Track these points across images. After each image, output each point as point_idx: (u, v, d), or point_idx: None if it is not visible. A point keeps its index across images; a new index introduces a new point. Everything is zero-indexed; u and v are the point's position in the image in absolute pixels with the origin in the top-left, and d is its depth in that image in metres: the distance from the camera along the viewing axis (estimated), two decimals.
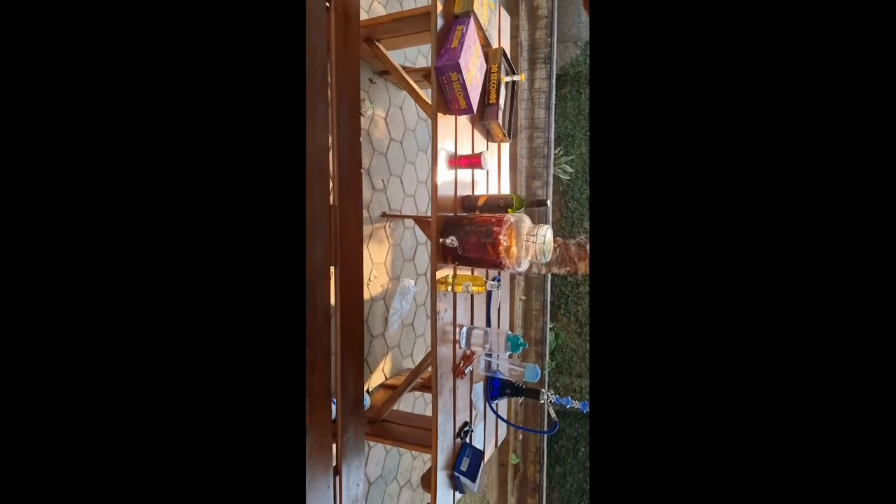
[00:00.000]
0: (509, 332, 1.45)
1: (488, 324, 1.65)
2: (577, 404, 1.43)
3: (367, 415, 1.86)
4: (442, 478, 1.37)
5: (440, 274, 1.36)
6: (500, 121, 1.56)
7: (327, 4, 1.29)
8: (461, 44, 1.30)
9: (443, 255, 1.35)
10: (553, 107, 4.13)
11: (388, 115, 2.40)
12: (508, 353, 1.45)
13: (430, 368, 1.90)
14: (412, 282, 2.53)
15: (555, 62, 4.12)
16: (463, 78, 1.28)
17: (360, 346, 1.43)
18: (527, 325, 4.29)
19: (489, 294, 1.64)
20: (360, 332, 1.43)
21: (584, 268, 3.09)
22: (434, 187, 1.33)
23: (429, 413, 2.63)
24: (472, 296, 1.54)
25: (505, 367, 1.49)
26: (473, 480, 1.42)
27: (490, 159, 1.54)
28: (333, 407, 1.35)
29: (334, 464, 1.34)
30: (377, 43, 1.82)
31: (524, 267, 1.31)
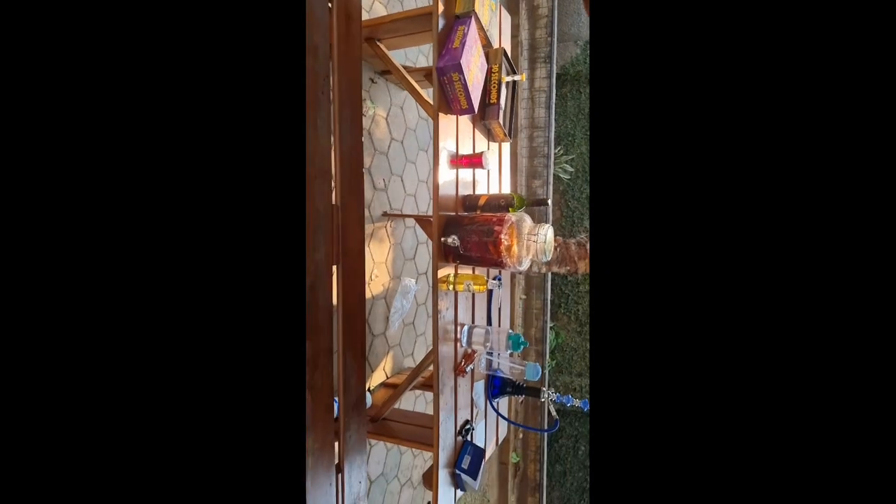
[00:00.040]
0: (510, 331, 1.45)
1: (489, 322, 1.66)
2: (577, 402, 1.44)
3: (368, 413, 1.86)
4: (443, 476, 1.38)
5: (441, 273, 1.37)
6: (501, 120, 1.57)
7: (329, 5, 1.30)
8: (462, 44, 1.30)
9: (444, 254, 1.36)
10: (553, 106, 4.13)
11: (389, 114, 2.41)
12: (509, 351, 1.46)
13: (430, 367, 1.91)
14: (413, 281, 2.54)
15: (555, 61, 4.12)
16: (464, 78, 1.28)
17: (362, 345, 1.44)
18: (527, 324, 4.30)
19: (490, 293, 1.64)
20: (362, 331, 1.44)
21: (584, 267, 3.10)
22: (435, 187, 1.34)
23: (429, 412, 2.64)
24: (473, 295, 1.55)
25: (506, 365, 1.50)
26: (475, 478, 1.43)
27: (491, 159, 1.55)
28: (336, 405, 1.36)
29: (336, 461, 1.35)
30: (378, 43, 1.83)
31: (525, 266, 1.31)
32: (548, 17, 4.06)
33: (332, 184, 1.31)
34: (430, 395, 2.72)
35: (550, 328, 4.50)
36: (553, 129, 4.14)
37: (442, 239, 1.33)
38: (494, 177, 1.74)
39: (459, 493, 1.48)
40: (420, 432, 1.81)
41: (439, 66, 1.30)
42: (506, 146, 1.80)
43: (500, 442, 1.85)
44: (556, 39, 4.11)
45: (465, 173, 1.51)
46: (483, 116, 1.54)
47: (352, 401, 1.40)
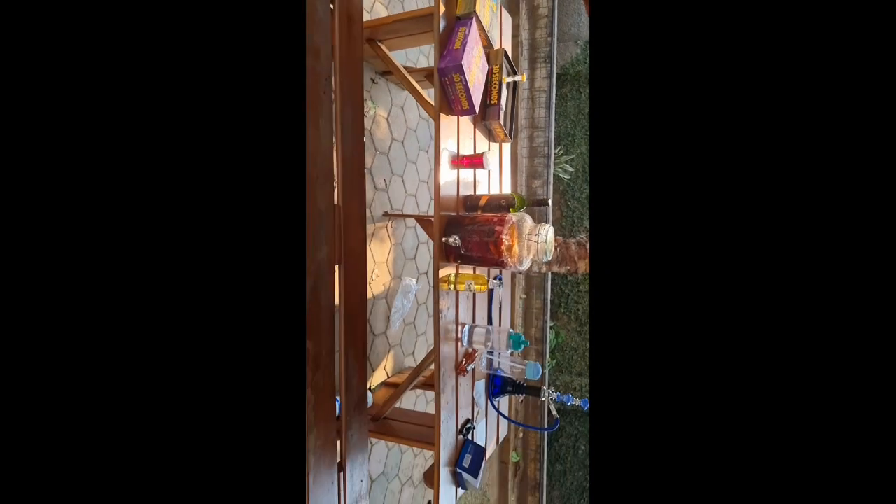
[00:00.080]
0: (511, 330, 1.46)
1: (490, 322, 1.66)
2: (577, 401, 1.45)
3: (369, 412, 1.87)
4: (445, 474, 1.39)
5: (443, 273, 1.38)
6: (502, 121, 1.57)
7: (331, 6, 1.31)
8: (463, 45, 1.31)
9: (445, 254, 1.37)
10: (553, 106, 4.14)
11: (389, 114, 2.41)
12: (510, 350, 1.47)
13: (431, 366, 1.92)
14: (413, 280, 2.55)
15: (555, 61, 4.13)
16: (465, 79, 1.29)
17: (364, 344, 1.45)
18: (527, 324, 4.31)
19: (491, 292, 1.65)
20: (364, 331, 1.45)
21: (584, 266, 3.11)
22: (437, 187, 1.35)
23: (430, 411, 2.65)
24: (474, 294, 1.56)
25: (506, 364, 1.50)
26: (475, 477, 1.44)
27: (491, 159, 1.56)
28: (337, 404, 1.37)
29: (338, 460, 1.36)
30: (379, 43, 1.84)
31: (526, 265, 1.32)
32: (548, 17, 4.07)
33: (334, 184, 1.32)
34: (430, 394, 2.73)
35: (550, 328, 4.51)
36: (553, 129, 4.15)
37: (443, 239, 1.34)
38: (495, 177, 1.75)
39: (460, 491, 1.49)
40: (421, 431, 1.82)
41: (440, 67, 1.30)
42: (506, 146, 1.81)
43: (500, 441, 1.86)
44: (556, 39, 4.12)
45: (466, 173, 1.52)
46: (484, 117, 1.55)
47: (353, 400, 1.41)
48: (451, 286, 1.38)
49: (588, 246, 3.10)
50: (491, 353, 1.49)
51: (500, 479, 4.34)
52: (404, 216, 2.51)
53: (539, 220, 1.52)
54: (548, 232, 1.31)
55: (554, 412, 1.52)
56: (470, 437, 1.50)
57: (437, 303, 1.35)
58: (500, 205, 1.46)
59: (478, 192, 1.59)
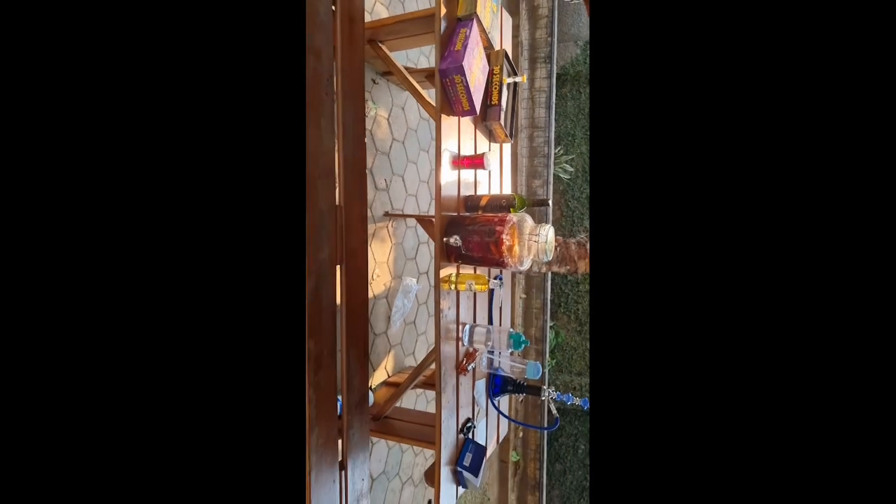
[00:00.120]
0: (511, 330, 1.47)
1: (490, 321, 1.67)
2: (577, 401, 1.46)
3: (370, 412, 1.88)
4: (445, 473, 1.40)
5: (444, 273, 1.39)
6: (502, 121, 1.58)
7: (333, 8, 1.31)
8: (464, 46, 1.32)
9: (446, 254, 1.37)
10: (553, 106, 4.15)
11: (390, 115, 2.42)
12: (510, 350, 1.47)
13: (432, 366, 1.92)
14: (414, 280, 2.56)
15: (555, 61, 4.14)
16: (466, 80, 1.30)
17: (365, 344, 1.46)
18: (527, 324, 4.32)
19: (491, 292, 1.66)
20: (365, 330, 1.45)
21: (583, 266, 3.12)
22: (438, 188, 1.36)
23: (430, 410, 2.65)
24: (474, 294, 1.57)
25: (507, 364, 1.51)
26: (476, 475, 1.44)
27: (492, 159, 1.57)
28: (339, 403, 1.38)
29: (340, 459, 1.36)
30: (380, 44, 1.84)
31: (526, 265, 1.33)
32: (548, 18, 4.08)
33: (336, 184, 1.32)
34: (430, 393, 2.74)
35: (550, 327, 4.52)
36: (553, 129, 4.16)
37: (444, 239, 1.35)
38: (496, 177, 1.75)
39: (461, 490, 1.50)
40: (421, 430, 1.83)
41: (442, 68, 1.31)
42: (506, 147, 1.82)
43: (500, 440, 1.87)
44: (556, 40, 4.13)
45: (467, 174, 1.52)
46: (484, 117, 1.56)
47: (355, 399, 1.41)
48: (452, 286, 1.39)
49: (588, 246, 3.11)
50: (491, 352, 1.50)
51: (499, 478, 4.35)
52: (405, 216, 2.52)
53: (539, 220, 1.52)
54: (548, 232, 1.32)
55: (554, 411, 1.53)
56: (470, 435, 1.50)
57: (438, 302, 1.36)
58: (501, 205, 1.46)
59: (478, 193, 1.60)
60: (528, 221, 1.33)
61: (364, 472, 1.47)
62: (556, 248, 2.94)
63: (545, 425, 4.21)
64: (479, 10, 1.42)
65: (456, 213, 1.45)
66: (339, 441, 1.37)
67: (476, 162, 1.47)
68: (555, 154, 4.36)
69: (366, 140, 2.20)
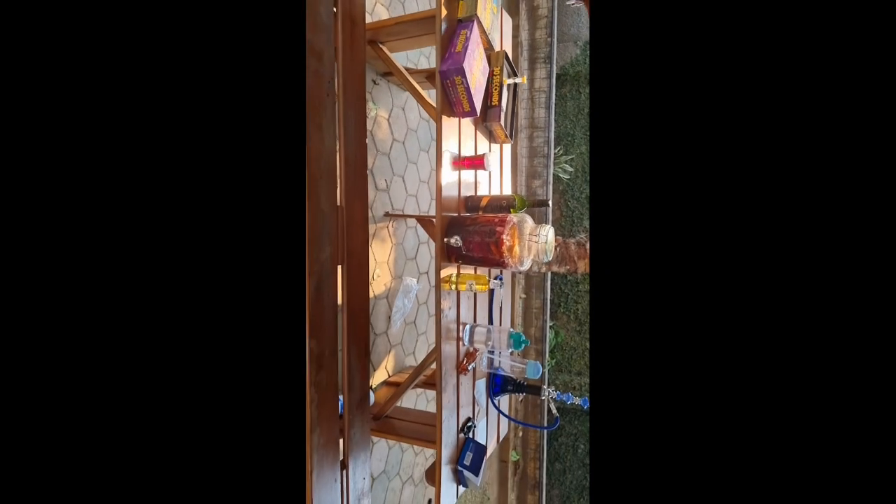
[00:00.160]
0: (511, 330, 1.48)
1: (491, 321, 1.68)
2: (577, 400, 1.46)
3: (371, 411, 1.89)
4: (446, 472, 1.41)
5: (444, 273, 1.39)
6: (502, 122, 1.59)
7: (334, 10, 1.32)
8: (465, 48, 1.33)
9: (447, 255, 1.38)
10: (553, 106, 4.16)
11: (390, 115, 2.43)
12: (510, 350, 1.48)
13: (432, 366, 1.93)
14: (414, 280, 2.57)
15: (555, 62, 4.15)
16: (467, 81, 1.31)
17: (366, 344, 1.47)
18: (527, 323, 4.33)
19: (492, 292, 1.67)
20: (366, 330, 1.46)
21: (583, 266, 3.13)
22: (438, 188, 1.36)
23: (430, 410, 2.66)
24: (475, 294, 1.58)
25: (507, 363, 1.52)
26: (476, 474, 1.45)
27: (492, 160, 1.57)
28: (340, 403, 1.38)
29: (341, 458, 1.37)
30: (381, 45, 1.85)
31: (526, 266, 1.34)
32: (547, 18, 4.09)
33: (337, 185, 1.33)
34: (430, 393, 2.75)
35: (550, 327, 4.53)
36: (553, 129, 4.17)
37: (445, 240, 1.36)
38: (496, 178, 1.76)
39: (461, 489, 1.50)
40: (422, 430, 1.84)
41: (442, 69, 1.32)
42: (506, 147, 1.83)
43: (500, 439, 1.88)
44: (555, 40, 4.14)
45: (467, 175, 1.53)
46: (485, 118, 1.57)
47: (356, 399, 1.42)
48: (453, 286, 1.40)
49: (587, 246, 3.12)
50: (492, 352, 1.51)
51: (499, 477, 4.36)
52: (405, 216, 2.52)
53: (539, 220, 1.53)
54: (548, 233, 1.33)
55: (554, 411, 1.54)
56: (471, 435, 1.51)
57: (438, 303, 1.36)
58: (501, 206, 1.47)
59: (479, 193, 1.60)
60: (529, 222, 1.34)
61: (365, 471, 1.48)
62: (555, 249, 2.94)
63: (545, 425, 4.22)
64: (479, 12, 1.42)
65: (456, 214, 1.46)
66: (341, 440, 1.38)
67: (476, 163, 1.48)
68: (554, 154, 4.37)
69: (366, 141, 2.20)
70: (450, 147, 1.42)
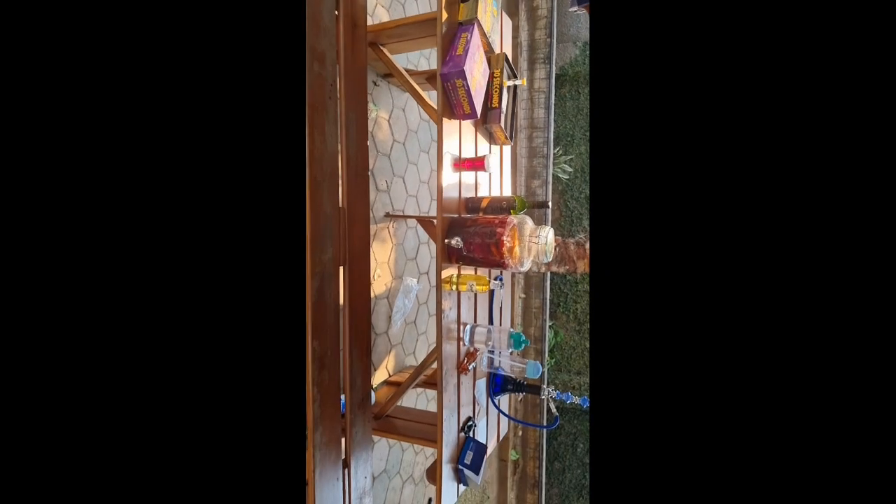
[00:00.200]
0: (511, 330, 1.49)
1: (491, 321, 1.69)
2: (576, 399, 1.48)
3: (372, 410, 1.90)
4: (447, 471, 1.42)
5: (445, 274, 1.41)
6: (503, 124, 1.60)
7: (336, 13, 1.33)
8: (466, 51, 1.34)
9: (448, 256, 1.39)
10: (552, 107, 4.17)
11: (391, 116, 2.44)
12: (510, 350, 1.49)
13: (433, 365, 1.94)
14: (414, 280, 2.58)
15: (554, 62, 4.16)
16: (468, 84, 1.32)
17: (368, 344, 1.48)
18: (526, 323, 4.34)
19: (492, 293, 1.68)
20: (368, 330, 1.48)
21: (582, 266, 3.14)
22: (439, 190, 1.38)
23: (431, 409, 2.68)
24: (475, 294, 1.59)
25: (507, 363, 1.53)
26: (477, 473, 1.46)
27: (492, 161, 1.59)
28: (341, 402, 1.40)
29: (343, 457, 1.39)
30: (381, 47, 1.86)
31: (527, 267, 1.35)
32: (547, 19, 4.10)
33: (339, 186, 1.34)
34: (430, 393, 2.76)
35: (549, 327, 4.54)
36: (552, 129, 4.18)
37: (445, 241, 1.37)
38: (496, 179, 1.77)
39: (462, 487, 1.52)
40: (423, 429, 1.85)
41: (443, 72, 1.33)
42: (507, 148, 1.84)
43: (501, 438, 1.89)
44: (555, 40, 4.15)
45: (468, 176, 1.54)
46: (485, 120, 1.58)
47: (358, 398, 1.43)
48: (454, 287, 1.41)
49: (587, 246, 3.13)
50: (492, 352, 1.52)
51: (499, 476, 4.38)
52: (405, 217, 2.54)
53: (539, 221, 1.54)
54: (548, 234, 1.34)
55: (553, 410, 1.55)
56: (471, 434, 1.53)
57: (439, 303, 1.38)
58: (502, 207, 1.48)
59: (479, 195, 1.62)
60: (529, 223, 1.35)
61: (367, 469, 1.49)
62: (555, 249, 2.95)
63: (545, 424, 4.23)
64: (479, 15, 1.44)
65: (457, 215, 1.47)
66: (343, 439, 1.39)
67: (477, 164, 1.49)
68: (554, 154, 4.38)
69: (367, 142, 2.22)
70: (450, 149, 1.43)
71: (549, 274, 4.24)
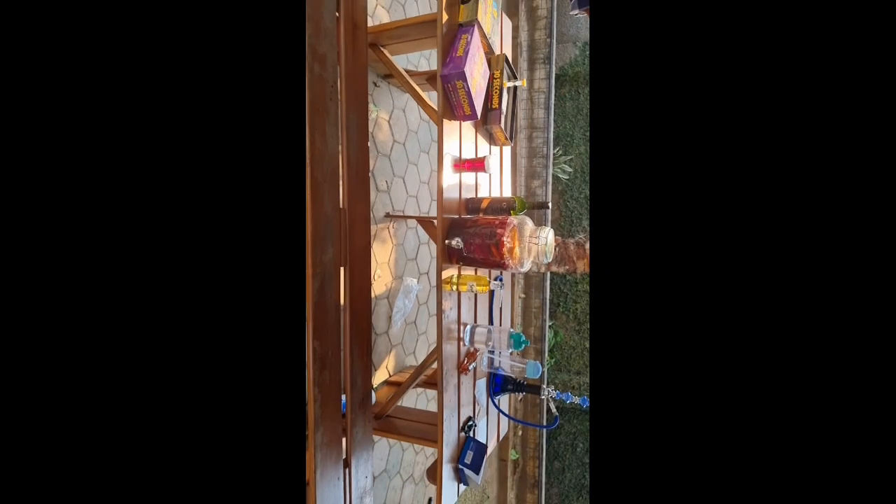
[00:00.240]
0: (511, 330, 1.50)
1: (491, 322, 1.70)
2: (576, 399, 1.48)
3: (372, 410, 1.91)
4: (447, 470, 1.43)
5: (445, 274, 1.41)
6: (503, 125, 1.61)
7: (337, 14, 1.34)
8: (466, 52, 1.34)
9: (448, 256, 1.40)
10: (552, 107, 4.18)
11: (391, 117, 2.45)
12: (510, 350, 1.50)
13: (433, 365, 1.95)
14: (415, 281, 2.58)
15: (554, 62, 4.16)
16: (468, 85, 1.32)
17: (369, 344, 1.49)
18: (526, 323, 4.35)
19: (492, 293, 1.69)
20: (368, 330, 1.48)
21: (582, 266, 3.15)
22: (440, 191, 1.38)
23: (431, 409, 2.68)
24: (475, 295, 1.60)
25: (507, 363, 1.54)
26: (477, 473, 1.47)
27: (492, 162, 1.59)
28: (342, 402, 1.40)
29: (344, 457, 1.39)
30: (382, 48, 1.87)
31: (527, 267, 1.36)
32: (546, 19, 4.10)
33: (340, 187, 1.35)
34: (430, 392, 2.77)
35: (549, 327, 4.55)
36: (552, 129, 4.19)
37: (446, 241, 1.37)
38: (496, 179, 1.78)
39: (462, 487, 1.52)
40: (423, 429, 1.86)
41: (443, 74, 1.34)
42: (506, 149, 1.85)
43: (501, 438, 1.90)
44: (554, 41, 4.15)
45: (468, 177, 1.55)
46: (485, 121, 1.58)
47: (359, 398, 1.44)
48: (454, 287, 1.42)
49: (587, 246, 3.14)
50: (492, 352, 1.53)
51: (499, 476, 4.38)
52: (406, 217, 2.54)
53: (539, 222, 1.55)
54: (548, 235, 1.35)
55: (553, 410, 1.56)
56: (472, 434, 1.53)
57: (440, 304, 1.38)
58: (502, 208, 1.49)
59: (479, 195, 1.62)
60: (529, 224, 1.36)
61: (367, 469, 1.50)
62: (554, 249, 2.96)
63: (545, 423, 4.24)
64: (480, 17, 1.44)
65: (457, 216, 1.48)
66: (344, 439, 1.40)
67: (477, 165, 1.50)
68: (553, 155, 4.39)
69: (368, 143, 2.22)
70: (451, 150, 1.44)
71: (548, 274, 4.24)
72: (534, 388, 1.57)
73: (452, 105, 1.40)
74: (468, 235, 1.35)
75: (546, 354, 4.40)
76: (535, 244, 1.33)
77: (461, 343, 1.49)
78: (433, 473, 1.44)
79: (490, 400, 1.66)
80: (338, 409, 1.33)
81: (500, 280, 1.65)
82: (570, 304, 5.02)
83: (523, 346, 1.47)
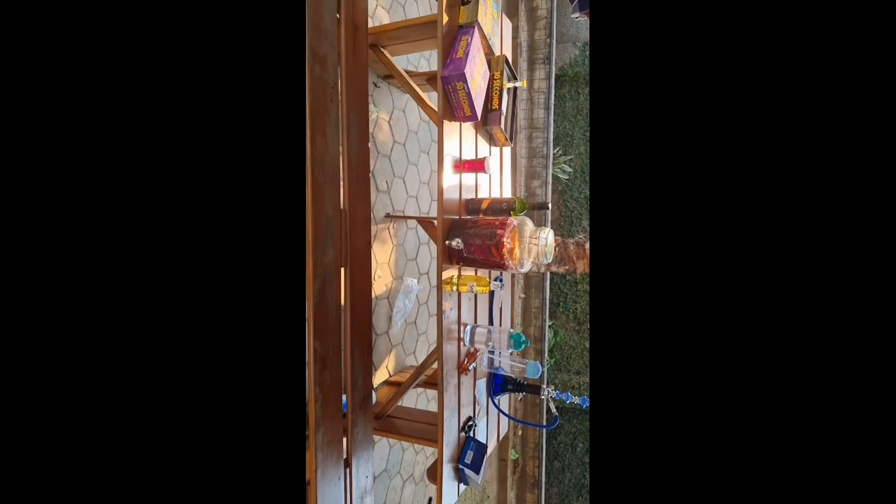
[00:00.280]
0: (511, 330, 1.50)
1: (491, 322, 1.70)
2: (576, 399, 1.49)
3: (373, 410, 1.91)
4: (447, 470, 1.43)
5: (446, 275, 1.42)
6: (503, 125, 1.61)
7: (337, 16, 1.34)
8: (466, 54, 1.35)
9: (448, 257, 1.40)
10: (552, 107, 4.18)
11: (391, 117, 2.45)
12: (510, 350, 1.51)
13: (433, 366, 1.95)
14: (415, 281, 2.59)
15: (554, 62, 4.17)
16: (468, 87, 1.33)
17: (369, 344, 1.49)
18: (526, 323, 4.35)
19: (492, 293, 1.69)
20: (369, 331, 1.49)
21: (582, 266, 3.15)
22: (440, 191, 1.39)
23: (431, 409, 2.69)
24: (475, 295, 1.60)
25: (507, 363, 1.54)
26: (477, 472, 1.48)
27: (492, 163, 1.60)
28: (343, 402, 1.41)
29: (345, 457, 1.40)
30: (382, 49, 1.87)
31: (526, 268, 1.36)
32: (546, 19, 4.11)
33: (340, 188, 1.35)
34: (430, 392, 2.77)
35: (549, 327, 4.56)
36: (552, 129, 4.19)
37: (446, 242, 1.38)
38: (496, 180, 1.78)
39: (462, 487, 1.53)
40: (423, 429, 1.86)
41: (444, 75, 1.34)
42: (506, 150, 1.85)
43: (501, 438, 1.90)
44: (554, 41, 4.16)
45: (468, 177, 1.55)
46: (485, 122, 1.59)
47: (359, 398, 1.44)
48: (454, 287, 1.42)
49: (586, 246, 3.14)
50: (492, 352, 1.53)
51: (499, 476, 4.39)
52: (406, 217, 2.55)
53: (539, 222, 1.55)
54: (548, 235, 1.35)
55: (553, 410, 1.56)
56: (472, 434, 1.54)
57: (440, 304, 1.39)
58: (502, 208, 1.49)
59: (479, 196, 1.63)
60: (529, 225, 1.36)
61: (368, 469, 1.50)
62: (554, 249, 2.96)
63: (544, 423, 4.25)
64: (480, 18, 1.45)
65: (458, 217, 1.48)
66: (344, 439, 1.41)
67: (477, 166, 1.50)
68: (553, 155, 4.39)
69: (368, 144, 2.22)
70: (451, 151, 1.44)
71: (548, 274, 4.25)
72: (534, 388, 1.57)
73: (453, 106, 1.40)
74: (468, 236, 1.35)
75: (546, 354, 4.41)
76: (535, 245, 1.33)
77: (461, 343, 1.50)
78: (433, 473, 1.45)
79: (490, 400, 1.66)
80: (338, 409, 1.33)
81: (500, 280, 1.65)
82: (569, 304, 5.03)
83: (523, 346, 1.47)
